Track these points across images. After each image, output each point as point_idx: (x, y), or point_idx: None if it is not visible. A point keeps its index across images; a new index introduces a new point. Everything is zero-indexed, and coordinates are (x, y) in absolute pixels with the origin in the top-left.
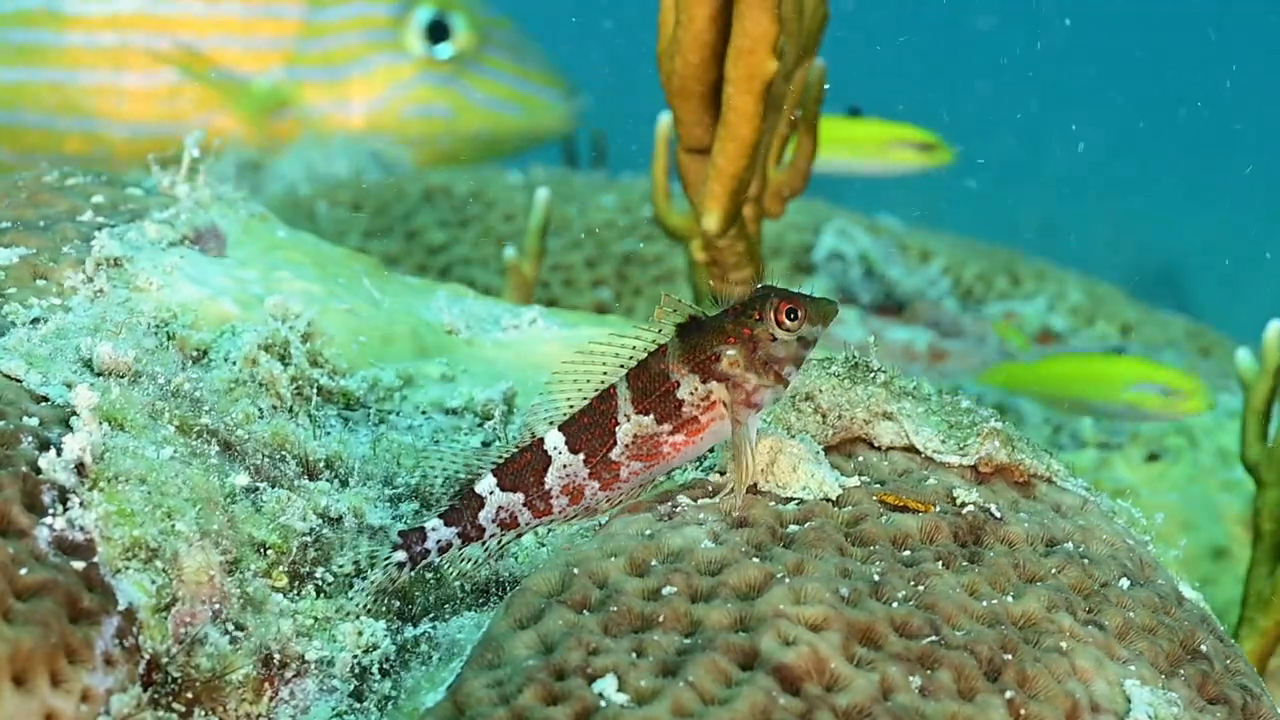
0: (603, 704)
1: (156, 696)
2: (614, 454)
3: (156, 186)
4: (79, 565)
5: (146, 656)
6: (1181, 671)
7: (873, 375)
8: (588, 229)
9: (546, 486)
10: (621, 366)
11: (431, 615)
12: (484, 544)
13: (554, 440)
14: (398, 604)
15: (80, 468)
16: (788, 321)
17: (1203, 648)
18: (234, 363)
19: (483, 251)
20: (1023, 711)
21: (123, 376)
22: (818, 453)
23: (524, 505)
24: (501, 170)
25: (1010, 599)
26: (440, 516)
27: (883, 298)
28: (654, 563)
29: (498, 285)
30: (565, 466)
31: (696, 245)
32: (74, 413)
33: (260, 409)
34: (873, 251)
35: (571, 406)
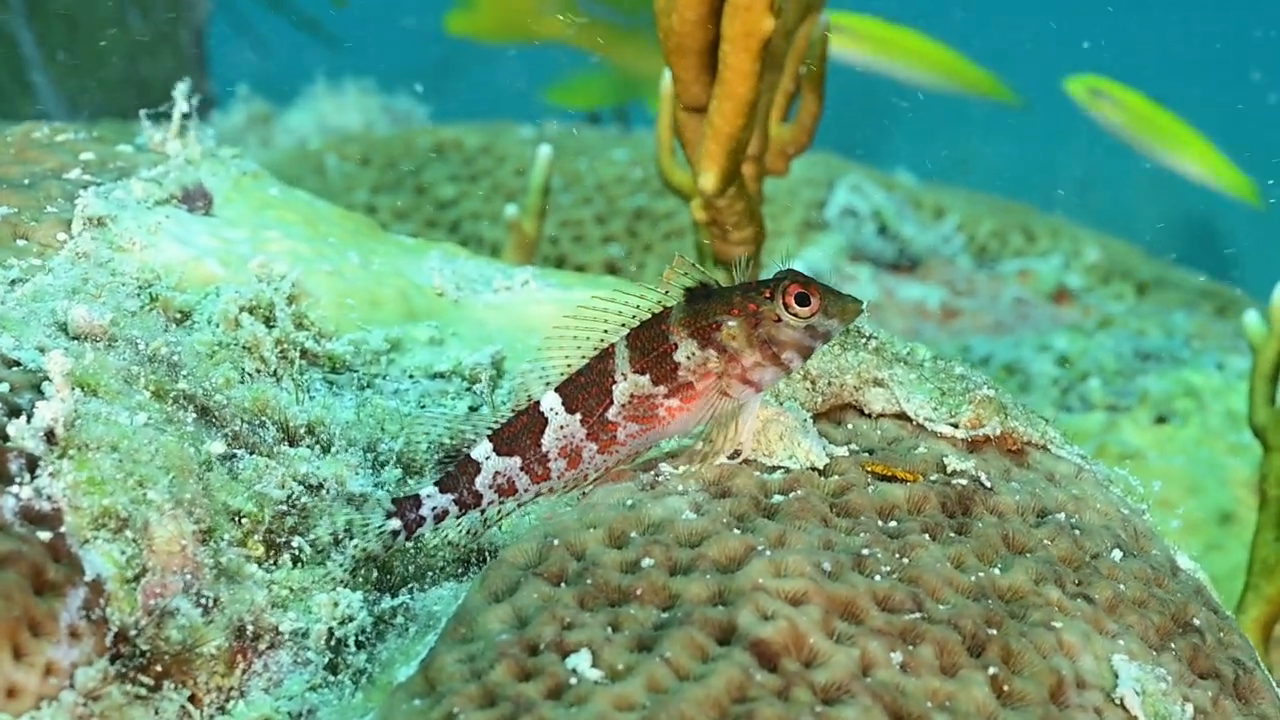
0: (574, 680)
1: (124, 670)
2: (611, 413)
3: (148, 143)
4: (45, 535)
5: (114, 629)
6: (1172, 645)
7: (864, 341)
8: (598, 184)
9: (544, 449)
10: (624, 325)
11: (410, 586)
12: (482, 511)
13: (550, 401)
14: (375, 574)
15: (50, 435)
16: (796, 306)
17: (1195, 621)
18: (217, 325)
19: (493, 206)
20: (1006, 688)
21: (98, 341)
22: (805, 421)
23: (521, 469)
24: (513, 124)
25: (997, 571)
26: (436, 483)
27: (895, 255)
28: (633, 534)
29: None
30: (562, 427)
31: (697, 204)
32: (46, 378)
33: (244, 372)
34: (887, 207)
35: (570, 366)
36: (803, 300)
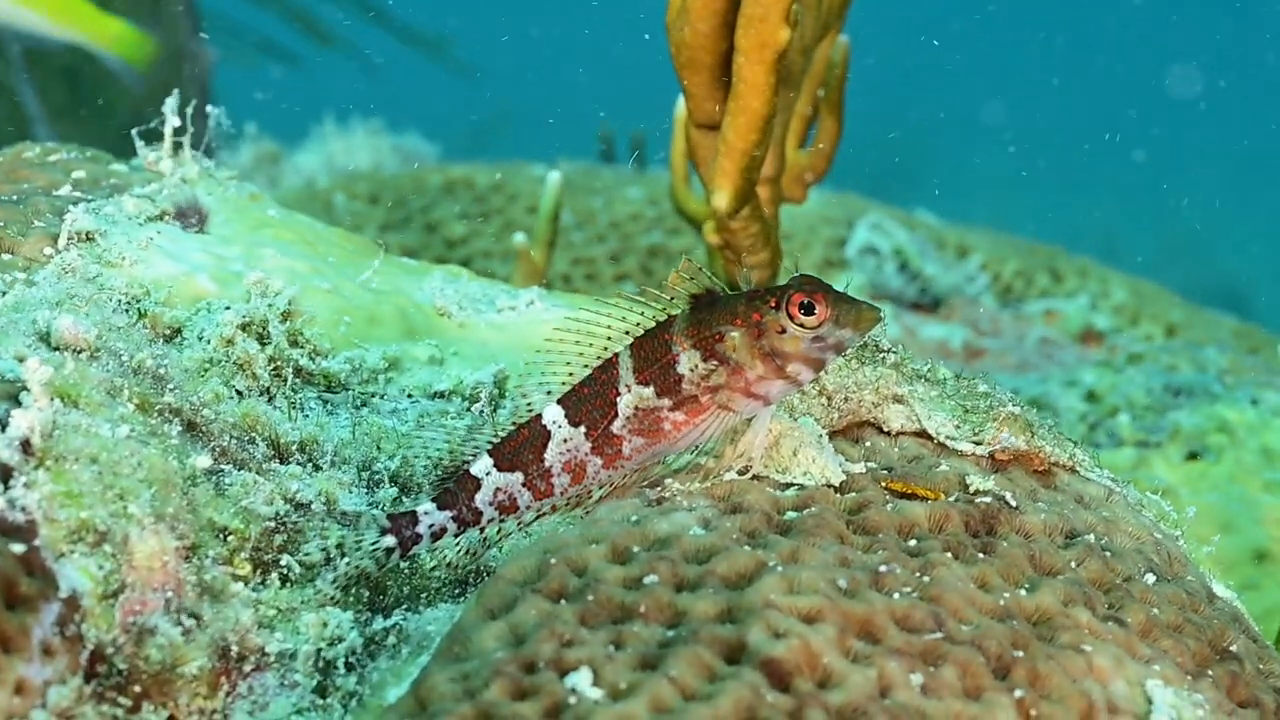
0: (573, 700)
1: (100, 689)
2: (616, 427)
3: (143, 163)
4: (18, 548)
5: (90, 647)
6: (1210, 672)
7: (882, 356)
8: (612, 221)
9: (546, 464)
10: (627, 333)
11: (405, 606)
12: (481, 530)
13: (553, 414)
14: (368, 594)
15: (26, 445)
16: (801, 316)
17: (1233, 648)
18: (208, 341)
19: (505, 245)
20: (1033, 712)
21: (81, 352)
22: (820, 437)
23: (523, 485)
24: (526, 163)
25: (1024, 592)
26: (433, 500)
27: (917, 294)
28: (637, 550)
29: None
30: (566, 441)
31: (710, 228)
32: (25, 388)
33: (236, 390)
34: (908, 246)
35: (572, 375)
36: (808, 309)
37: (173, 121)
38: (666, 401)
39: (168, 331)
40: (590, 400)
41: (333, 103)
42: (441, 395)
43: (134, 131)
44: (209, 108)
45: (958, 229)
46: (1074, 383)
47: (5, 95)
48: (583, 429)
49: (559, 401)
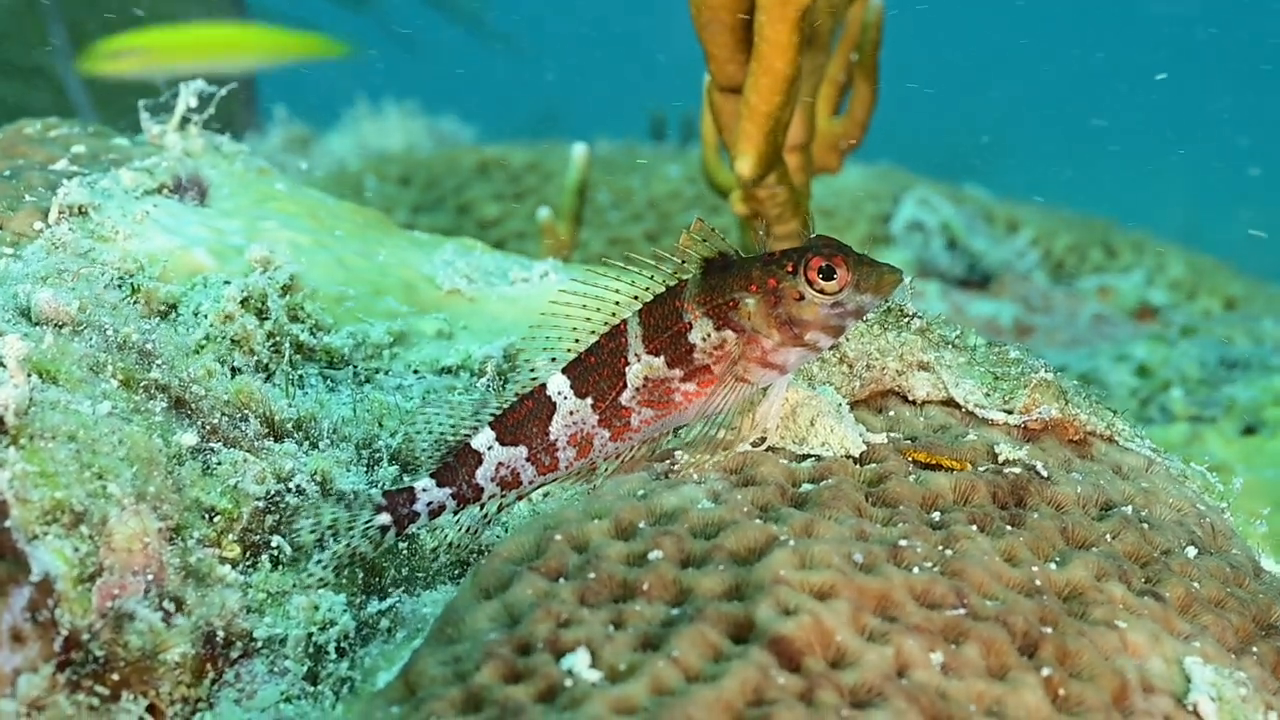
0: (569, 682)
1: (75, 678)
2: (624, 398)
3: (145, 136)
4: None
5: (64, 633)
6: (1254, 649)
7: (907, 321)
8: (650, 200)
9: (552, 437)
10: (636, 299)
11: (402, 588)
12: (482, 506)
13: (558, 384)
14: (363, 576)
15: None
16: (820, 281)
17: None
18: (205, 317)
19: (539, 225)
20: (1062, 691)
21: (63, 327)
22: (840, 406)
23: (527, 460)
24: (561, 142)
25: (1054, 566)
26: (432, 475)
27: (965, 270)
28: (642, 525)
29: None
30: (572, 413)
31: (737, 197)
32: (0, 363)
33: (232, 365)
34: (956, 221)
35: (578, 343)
36: (828, 274)
37: (188, 100)
38: (678, 372)
39: (162, 307)
40: (597, 370)
41: (376, 86)
42: (449, 370)
43: (141, 104)
44: (217, 89)
45: (1007, 203)
46: (1124, 357)
47: (50, 82)
48: (589, 400)
49: (564, 371)
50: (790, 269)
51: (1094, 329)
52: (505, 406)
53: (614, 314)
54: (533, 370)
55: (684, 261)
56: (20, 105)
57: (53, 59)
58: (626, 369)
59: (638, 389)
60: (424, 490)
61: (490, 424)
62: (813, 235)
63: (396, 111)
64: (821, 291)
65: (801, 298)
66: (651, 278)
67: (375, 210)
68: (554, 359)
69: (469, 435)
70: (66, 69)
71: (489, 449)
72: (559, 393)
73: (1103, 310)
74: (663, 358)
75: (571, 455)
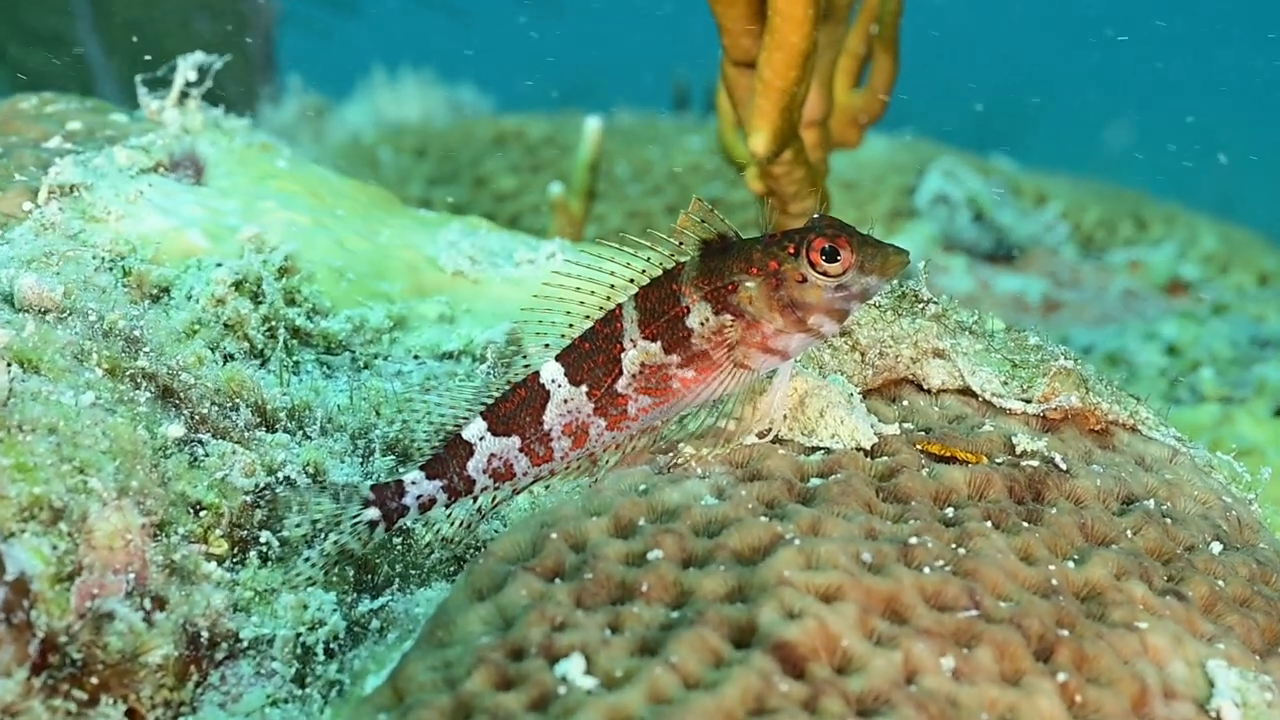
0: (563, 690)
1: (52, 681)
2: (620, 385)
3: (144, 112)
4: None
5: (40, 635)
6: None
7: (922, 306)
8: (670, 173)
9: (545, 427)
10: (632, 282)
11: (395, 586)
12: (474, 499)
13: (551, 372)
14: (354, 573)
15: None
16: (824, 263)
17: None
18: (197, 301)
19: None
20: (1078, 698)
21: (47, 313)
22: (851, 396)
23: (520, 450)
24: (580, 113)
25: (1071, 565)
26: (421, 468)
27: (993, 244)
28: (643, 522)
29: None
30: (566, 402)
31: (752, 173)
32: None
33: (224, 352)
34: (982, 194)
35: (572, 328)
36: (831, 255)
37: (187, 73)
38: (675, 358)
39: (155, 291)
40: (592, 356)
41: (395, 53)
42: (451, 355)
43: (139, 79)
44: (215, 59)
45: (1035, 175)
46: (1153, 335)
47: (71, 50)
48: (584, 388)
49: (558, 358)
50: (792, 250)
51: (1123, 304)
52: (497, 395)
53: (609, 298)
54: (524, 357)
55: (681, 243)
56: (42, 75)
57: (74, 27)
58: (622, 355)
59: (634, 376)
60: (413, 483)
61: (481, 414)
62: (816, 215)
63: (413, 81)
64: (825, 274)
65: (804, 280)
66: (648, 259)
67: (381, 188)
68: (547, 345)
69: (460, 424)
70: (88, 36)
71: (480, 440)
72: (552, 380)
73: (1132, 285)
74: (659, 343)
75: (566, 445)
